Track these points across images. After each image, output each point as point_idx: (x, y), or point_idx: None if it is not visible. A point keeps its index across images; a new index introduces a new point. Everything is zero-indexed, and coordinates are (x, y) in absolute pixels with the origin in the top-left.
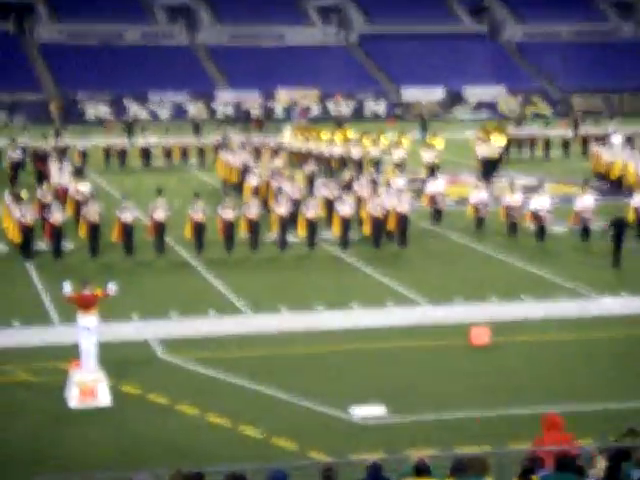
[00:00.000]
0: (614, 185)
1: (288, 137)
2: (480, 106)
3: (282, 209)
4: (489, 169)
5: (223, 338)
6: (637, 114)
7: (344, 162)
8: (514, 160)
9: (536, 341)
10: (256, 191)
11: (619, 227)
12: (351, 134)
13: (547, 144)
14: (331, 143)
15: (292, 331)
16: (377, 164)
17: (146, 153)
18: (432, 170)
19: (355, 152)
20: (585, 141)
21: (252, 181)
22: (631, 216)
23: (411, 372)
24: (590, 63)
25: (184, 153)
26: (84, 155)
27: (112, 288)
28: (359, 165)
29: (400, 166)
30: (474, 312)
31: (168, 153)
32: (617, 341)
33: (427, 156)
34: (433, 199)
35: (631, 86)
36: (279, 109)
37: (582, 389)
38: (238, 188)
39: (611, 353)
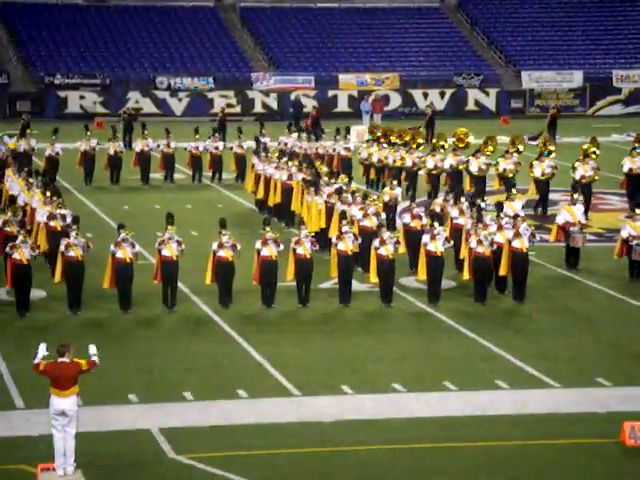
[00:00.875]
0: None
1: (356, 141)
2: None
3: (348, 242)
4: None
5: (260, 429)
6: None
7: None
8: None
9: None
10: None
11: None
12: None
13: None
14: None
15: (357, 420)
16: (482, 181)
17: (147, 162)
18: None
19: (446, 162)
20: None
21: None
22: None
23: None
24: None
25: (202, 161)
26: (56, 163)
27: (93, 353)
28: (458, 180)
29: (512, 184)
30: (628, 400)
31: (189, 162)
32: None
33: (508, 167)
34: (565, 231)
35: None
36: (343, 100)
37: None
38: (283, 212)
39: None
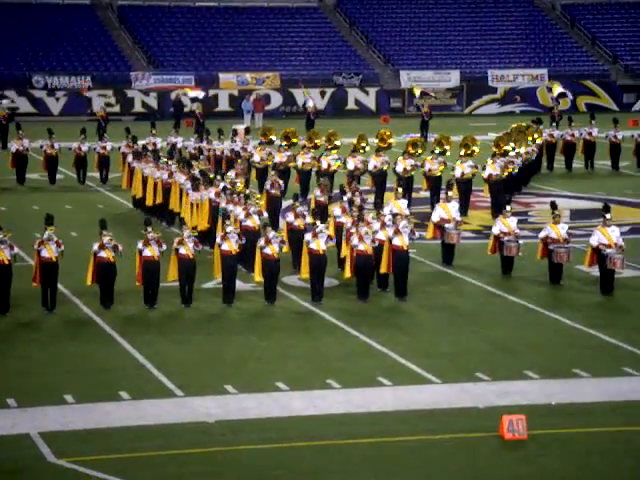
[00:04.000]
0: None
1: (241, 141)
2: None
3: (232, 242)
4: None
5: (142, 431)
6: None
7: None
8: (559, 173)
9: (595, 434)
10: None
11: None
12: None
13: (614, 150)
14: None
15: (241, 420)
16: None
17: (23, 162)
18: (436, 187)
19: (370, 163)
20: None
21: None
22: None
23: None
24: None
25: (87, 162)
26: None
27: None
28: (381, 181)
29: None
30: (506, 394)
31: (74, 163)
32: None
33: (432, 167)
34: (441, 228)
35: None
36: (224, 99)
37: None
38: (163, 211)
39: None
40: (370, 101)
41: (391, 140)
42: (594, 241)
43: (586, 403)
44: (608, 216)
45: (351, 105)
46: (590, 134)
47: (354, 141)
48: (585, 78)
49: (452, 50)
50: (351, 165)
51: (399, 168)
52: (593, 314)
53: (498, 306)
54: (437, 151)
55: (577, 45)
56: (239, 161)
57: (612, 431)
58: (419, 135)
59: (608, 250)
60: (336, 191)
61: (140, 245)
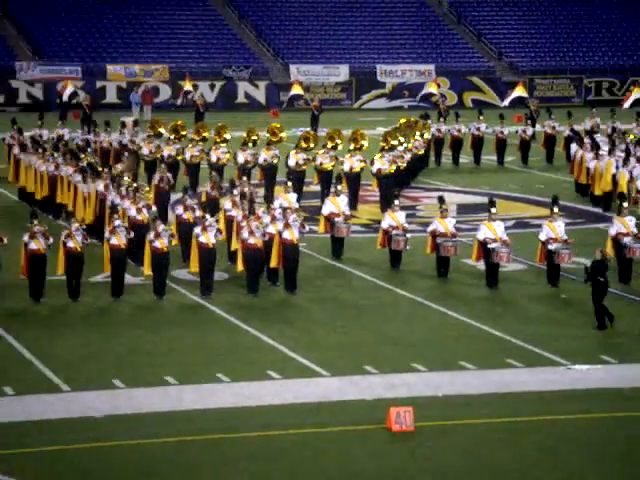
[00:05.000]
0: (599, 203)
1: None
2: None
3: (121, 236)
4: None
5: (28, 426)
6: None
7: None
8: (448, 169)
9: (481, 425)
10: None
11: (598, 275)
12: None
13: (500, 145)
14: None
15: (130, 414)
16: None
17: None
18: (328, 181)
19: (260, 157)
20: (549, 140)
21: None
22: (609, 250)
23: (314, 472)
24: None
25: None
26: None
27: None
28: (271, 175)
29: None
30: (394, 386)
31: None
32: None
33: (324, 161)
34: (330, 222)
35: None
36: (111, 91)
37: None
38: (49, 204)
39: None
40: (260, 95)
41: (282, 134)
42: (480, 235)
43: (472, 395)
44: (494, 210)
45: (241, 98)
46: (478, 129)
47: (244, 134)
48: (471, 74)
49: (341, 45)
50: (241, 158)
51: (291, 162)
52: (479, 307)
53: (386, 299)
54: (329, 145)
55: (463, 42)
56: (126, 154)
57: (497, 422)
58: (310, 129)
59: (494, 244)
60: (226, 185)
61: (26, 238)
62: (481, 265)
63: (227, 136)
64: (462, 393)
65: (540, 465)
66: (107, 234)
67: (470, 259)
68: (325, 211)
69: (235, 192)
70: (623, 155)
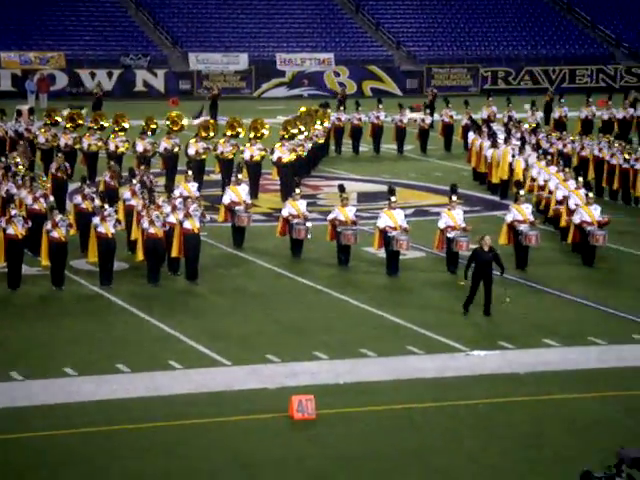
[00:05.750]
0: (496, 191)
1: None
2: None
3: (18, 226)
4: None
5: None
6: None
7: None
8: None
9: (382, 412)
10: None
11: (481, 263)
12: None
13: (399, 134)
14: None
15: (27, 406)
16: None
17: None
18: (228, 170)
19: (160, 146)
20: (447, 129)
21: None
22: (503, 238)
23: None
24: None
25: None
26: None
27: None
28: (173, 163)
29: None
30: (296, 374)
31: None
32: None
33: (225, 150)
34: (231, 211)
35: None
36: (6, 78)
37: None
38: None
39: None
40: (159, 83)
41: (183, 122)
42: (381, 223)
43: (372, 382)
44: (393, 199)
45: (139, 87)
46: (378, 118)
47: (143, 123)
48: (370, 63)
49: (240, 33)
50: (140, 147)
51: (191, 151)
52: (379, 295)
53: (288, 288)
54: (229, 134)
55: (362, 30)
56: (21, 142)
57: (397, 409)
58: (210, 117)
59: (394, 232)
60: (125, 174)
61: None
62: (382, 253)
63: (125, 125)
64: (363, 380)
65: (442, 450)
66: (3, 224)
67: (371, 247)
68: (226, 200)
69: (134, 181)
70: (519, 144)
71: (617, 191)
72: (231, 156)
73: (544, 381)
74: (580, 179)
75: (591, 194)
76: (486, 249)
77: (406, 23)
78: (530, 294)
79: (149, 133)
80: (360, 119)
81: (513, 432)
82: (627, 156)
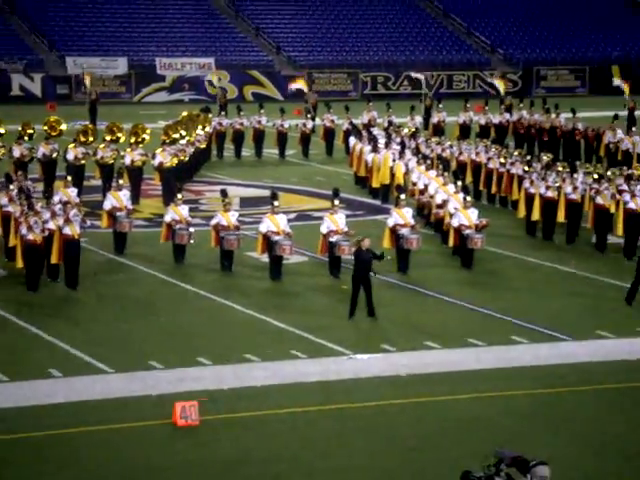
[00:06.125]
0: (377, 195)
1: None
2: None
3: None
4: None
5: None
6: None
7: None
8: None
9: (267, 416)
10: None
11: (361, 263)
12: None
13: (281, 139)
14: None
15: None
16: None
17: None
18: (109, 175)
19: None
20: (328, 133)
21: None
22: (385, 242)
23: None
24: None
25: None
26: None
27: None
28: (51, 169)
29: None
30: (180, 381)
31: None
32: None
33: (105, 155)
34: (113, 217)
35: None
36: None
37: None
38: None
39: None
40: (36, 87)
41: (61, 127)
42: (263, 228)
43: (257, 387)
44: (276, 203)
45: (16, 91)
46: (259, 122)
47: (19, 128)
48: (251, 68)
49: (120, 37)
50: (17, 153)
51: (70, 156)
52: (263, 299)
53: (171, 294)
54: (109, 138)
55: (242, 35)
56: None
57: (282, 413)
58: (89, 122)
59: (277, 237)
60: (2, 180)
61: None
62: (265, 258)
63: (1, 130)
64: (247, 385)
65: (328, 454)
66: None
67: (254, 252)
68: (107, 206)
69: (12, 187)
70: (399, 148)
71: (495, 195)
72: (111, 161)
73: (426, 383)
74: (459, 183)
75: (469, 198)
76: (364, 249)
77: (286, 28)
78: (411, 297)
79: (26, 138)
80: (242, 124)
81: (395, 434)
82: (503, 160)
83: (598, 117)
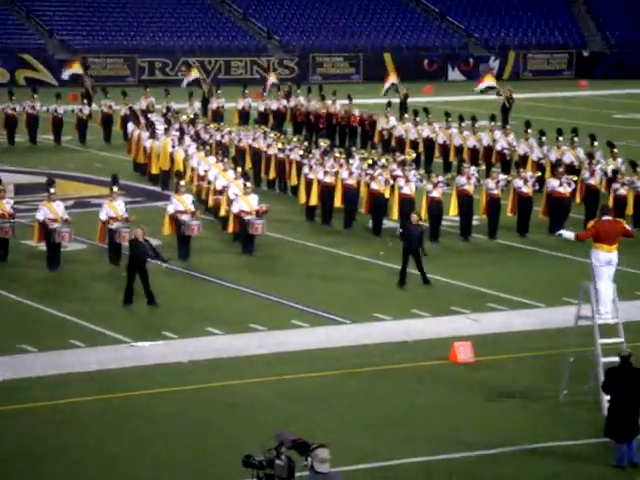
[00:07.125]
0: (157, 181)
1: None
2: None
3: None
4: None
5: None
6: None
7: None
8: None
9: (43, 408)
10: None
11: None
12: None
13: (57, 124)
14: None
15: None
16: None
17: None
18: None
19: None
20: (106, 119)
21: None
22: (166, 229)
23: None
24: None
25: None
26: None
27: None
28: None
29: None
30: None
31: None
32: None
33: None
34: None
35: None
36: None
37: None
38: None
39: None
40: None
41: None
42: (40, 215)
43: (32, 377)
44: (53, 190)
45: None
46: (33, 108)
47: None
48: (23, 52)
49: None
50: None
51: None
52: (41, 288)
53: None
54: None
55: (13, 18)
56: None
57: (61, 404)
58: None
59: (55, 224)
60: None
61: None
62: (42, 246)
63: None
64: (23, 376)
65: (103, 444)
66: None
67: (31, 240)
68: None
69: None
70: (178, 134)
71: (274, 181)
72: None
73: (207, 369)
74: (239, 169)
75: (249, 184)
76: (141, 239)
77: (58, 12)
78: (193, 283)
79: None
80: (14, 109)
81: (178, 422)
82: (281, 146)
83: (372, 104)
